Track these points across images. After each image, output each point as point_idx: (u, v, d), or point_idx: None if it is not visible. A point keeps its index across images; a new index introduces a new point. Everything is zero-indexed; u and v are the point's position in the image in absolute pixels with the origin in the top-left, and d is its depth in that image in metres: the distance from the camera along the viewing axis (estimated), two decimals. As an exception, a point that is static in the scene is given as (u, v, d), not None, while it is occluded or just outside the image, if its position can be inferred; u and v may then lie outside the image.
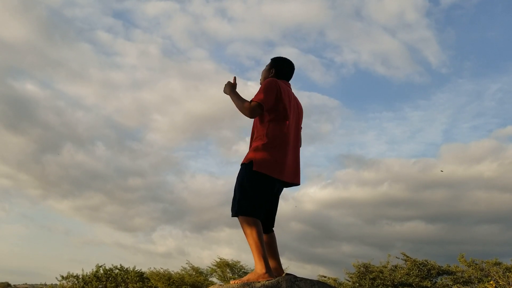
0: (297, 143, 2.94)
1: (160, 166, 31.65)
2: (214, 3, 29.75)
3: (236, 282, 2.53)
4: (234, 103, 2.86)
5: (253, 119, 2.91)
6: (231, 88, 2.95)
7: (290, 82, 3.09)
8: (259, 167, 2.66)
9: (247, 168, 2.70)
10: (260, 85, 2.92)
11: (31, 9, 26.78)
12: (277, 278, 2.48)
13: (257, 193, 2.66)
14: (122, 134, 31.51)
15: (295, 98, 3.02)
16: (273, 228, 2.88)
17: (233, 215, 2.69)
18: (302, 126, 3.09)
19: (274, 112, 2.78)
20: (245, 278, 2.54)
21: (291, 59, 3.13)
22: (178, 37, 31.45)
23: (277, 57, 3.11)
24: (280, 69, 3.06)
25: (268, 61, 3.12)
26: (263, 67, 3.13)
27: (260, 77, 3.13)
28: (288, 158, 2.78)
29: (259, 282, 2.45)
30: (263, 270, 2.53)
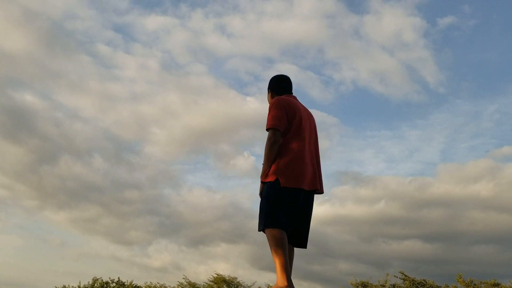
0: (315, 152, 2.96)
1: (157, 179, 31.51)
2: (214, 19, 30.00)
3: None
4: (268, 160, 2.78)
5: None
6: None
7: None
8: (284, 182, 2.70)
9: (272, 185, 2.74)
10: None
11: (32, 21, 27.01)
12: None
13: (283, 207, 2.70)
14: (120, 147, 31.45)
15: (305, 108, 3.07)
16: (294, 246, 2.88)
17: (260, 230, 2.72)
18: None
19: (288, 127, 2.83)
20: None
21: (288, 75, 3.18)
22: (178, 52, 31.59)
23: (270, 80, 3.19)
24: (276, 87, 3.12)
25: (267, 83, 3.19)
26: (262, 83, 3.23)
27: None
28: (309, 167, 2.82)
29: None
30: (285, 284, 2.53)
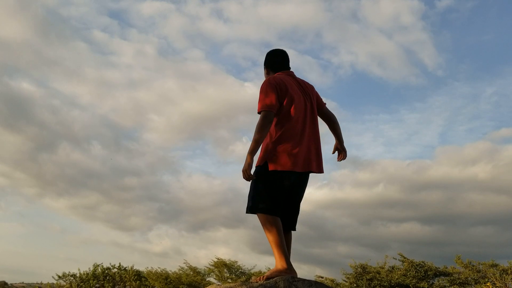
0: (311, 130, 2.83)
1: (156, 166, 31.64)
2: (210, 4, 29.75)
3: (259, 278, 2.52)
4: (256, 140, 2.65)
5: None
6: (247, 163, 2.64)
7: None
8: (273, 166, 2.67)
9: (261, 169, 2.71)
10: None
11: (27, 8, 26.80)
12: (275, 278, 2.50)
13: (272, 191, 2.67)
14: (118, 134, 31.52)
15: (302, 82, 2.95)
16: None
17: (248, 212, 2.72)
18: (324, 102, 3.08)
19: (280, 108, 2.74)
20: (267, 274, 2.55)
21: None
22: (174, 37, 31.41)
23: (265, 55, 3.07)
24: (271, 64, 3.01)
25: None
26: (260, 68, 3.12)
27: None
28: (302, 148, 2.72)
29: (257, 282, 2.47)
30: (285, 266, 2.55)
